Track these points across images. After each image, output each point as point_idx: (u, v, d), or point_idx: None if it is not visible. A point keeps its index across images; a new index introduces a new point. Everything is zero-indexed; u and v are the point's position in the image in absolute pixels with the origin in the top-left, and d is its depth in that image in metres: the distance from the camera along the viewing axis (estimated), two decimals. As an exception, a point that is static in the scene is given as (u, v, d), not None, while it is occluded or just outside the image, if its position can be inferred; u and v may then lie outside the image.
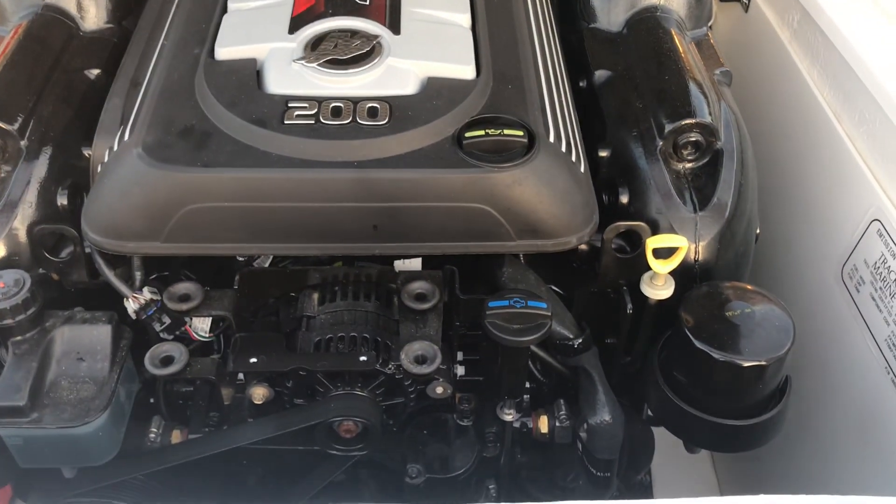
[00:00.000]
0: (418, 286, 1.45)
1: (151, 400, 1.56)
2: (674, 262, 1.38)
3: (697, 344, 1.33)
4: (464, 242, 1.38)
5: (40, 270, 1.45)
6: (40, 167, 1.48)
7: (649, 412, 1.63)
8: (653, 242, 1.37)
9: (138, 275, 1.45)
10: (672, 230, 1.46)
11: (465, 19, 1.59)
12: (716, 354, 1.32)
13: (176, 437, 1.48)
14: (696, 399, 1.41)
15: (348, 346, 1.41)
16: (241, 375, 1.45)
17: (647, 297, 1.44)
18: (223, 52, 1.47)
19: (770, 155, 1.93)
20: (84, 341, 1.36)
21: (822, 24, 1.85)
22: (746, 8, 2.30)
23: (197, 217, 1.31)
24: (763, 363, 1.33)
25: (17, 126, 1.47)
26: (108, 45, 1.74)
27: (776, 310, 1.38)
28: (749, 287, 1.42)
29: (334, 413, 1.38)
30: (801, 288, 1.84)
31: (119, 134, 1.42)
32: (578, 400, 1.50)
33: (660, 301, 1.43)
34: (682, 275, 1.44)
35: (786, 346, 1.34)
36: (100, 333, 1.36)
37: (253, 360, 1.38)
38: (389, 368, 1.39)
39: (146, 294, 1.44)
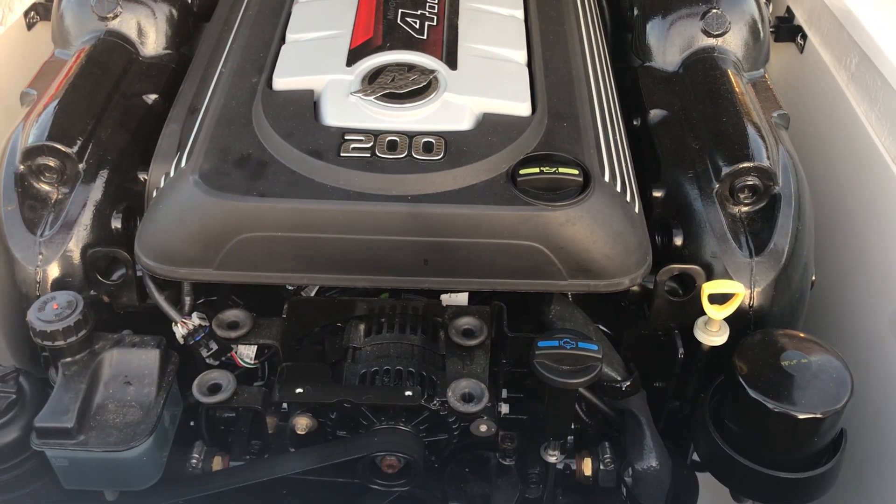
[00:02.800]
0: (466, 322, 1.43)
1: (192, 423, 1.56)
2: (730, 309, 1.35)
3: (752, 393, 1.30)
4: (514, 280, 1.36)
5: (92, 292, 1.46)
6: (96, 190, 1.50)
7: (694, 457, 1.60)
8: (709, 288, 1.35)
9: (187, 300, 1.45)
10: (727, 275, 1.44)
11: (522, 56, 1.59)
12: (770, 405, 1.29)
13: (217, 463, 1.48)
14: (746, 448, 1.37)
15: (394, 380, 1.40)
16: (284, 404, 1.45)
17: (699, 342, 1.41)
18: (281, 82, 1.48)
19: (825, 200, 1.90)
20: (132, 365, 1.37)
21: (882, 68, 1.83)
22: (801, 49, 2.27)
23: (250, 246, 1.31)
24: (819, 416, 1.29)
25: (75, 149, 1.49)
26: (166, 71, 1.77)
27: (833, 360, 1.35)
28: (805, 336, 1.39)
29: (378, 448, 1.37)
30: (855, 336, 1.80)
31: (176, 160, 1.43)
32: (624, 443, 1.47)
33: (713, 347, 1.40)
34: (736, 321, 1.41)
35: (843, 399, 1.30)
36: (148, 358, 1.37)
37: (299, 390, 1.37)
38: (434, 404, 1.37)
39: (195, 319, 1.44)
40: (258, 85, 1.48)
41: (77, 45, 1.80)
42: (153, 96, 1.69)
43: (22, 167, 1.48)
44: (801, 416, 1.28)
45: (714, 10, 1.80)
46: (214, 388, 1.37)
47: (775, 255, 1.46)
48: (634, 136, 1.69)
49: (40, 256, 1.44)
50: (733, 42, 1.81)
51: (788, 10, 2.39)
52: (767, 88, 1.81)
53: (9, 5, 2.23)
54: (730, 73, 1.73)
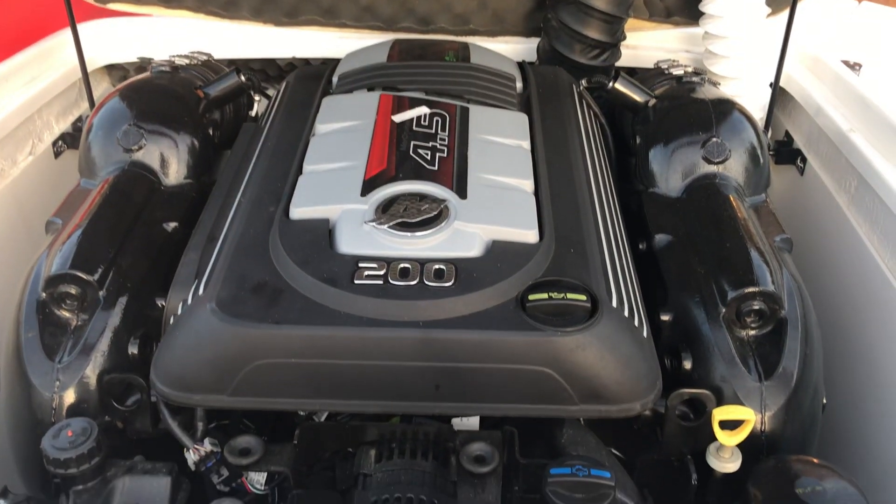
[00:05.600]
0: (478, 448, 1.42)
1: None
2: (741, 435, 1.35)
3: (767, 522, 1.28)
4: (526, 405, 1.37)
5: (106, 418, 1.47)
6: (115, 316, 1.53)
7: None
8: (719, 414, 1.35)
9: (200, 426, 1.46)
10: (737, 399, 1.44)
11: (529, 184, 1.65)
12: (787, 535, 1.27)
13: None
14: (765, 579, 1.34)
15: (405, 509, 1.38)
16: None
17: (712, 469, 1.40)
18: (298, 211, 1.53)
19: (831, 322, 1.91)
20: (143, 493, 1.35)
21: (880, 192, 1.87)
22: (802, 171, 2.34)
23: (265, 372, 1.33)
24: (838, 547, 1.27)
25: (96, 277, 1.53)
26: (186, 200, 1.83)
27: (849, 487, 1.32)
28: (819, 462, 1.37)
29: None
30: (869, 461, 1.77)
31: (193, 288, 1.47)
32: (640, 573, 1.44)
33: (726, 473, 1.39)
34: (749, 446, 1.40)
35: (861, 528, 1.28)
36: (159, 486, 1.35)
37: (309, 519, 1.36)
38: (446, 534, 1.35)
39: (207, 446, 1.45)
40: (275, 214, 1.53)
41: (102, 175, 1.87)
42: (173, 224, 1.74)
43: (44, 295, 1.52)
44: (819, 548, 1.26)
45: (714, 139, 1.86)
46: (225, 518, 1.36)
47: (784, 379, 1.46)
48: (641, 260, 1.72)
49: (57, 383, 1.46)
50: (734, 168, 1.87)
51: (787, 134, 2.47)
52: (770, 213, 1.86)
53: (38, 136, 2.34)
54: (732, 198, 1.78)
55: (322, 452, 1.52)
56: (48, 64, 2.45)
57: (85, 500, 1.33)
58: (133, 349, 1.51)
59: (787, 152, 2.42)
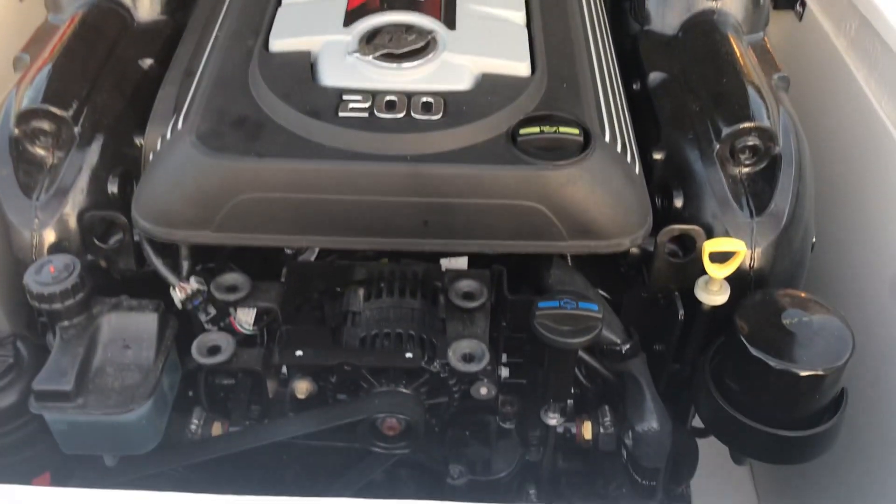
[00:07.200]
0: (466, 284, 1.43)
1: (190, 394, 1.56)
2: (731, 267, 1.35)
3: (753, 351, 1.30)
4: (515, 241, 1.36)
5: (89, 257, 1.45)
6: (92, 154, 1.48)
7: (694, 424, 1.60)
8: (710, 246, 1.34)
9: (186, 264, 1.44)
10: (727, 235, 1.43)
11: (520, 17, 1.58)
12: (772, 362, 1.29)
13: (217, 429, 1.48)
14: (748, 408, 1.37)
15: (394, 343, 1.39)
16: (284, 369, 1.44)
17: (699, 303, 1.41)
18: (278, 43, 1.46)
19: (826, 163, 1.88)
20: (130, 329, 1.36)
21: (882, 31, 1.82)
22: (800, 17, 2.26)
23: (248, 207, 1.30)
24: (821, 373, 1.29)
25: (70, 113, 1.47)
26: (161, 36, 1.75)
27: (834, 319, 1.35)
28: (806, 295, 1.39)
29: (378, 409, 1.37)
30: (854, 300, 1.79)
31: (172, 122, 1.42)
32: (624, 407, 1.47)
33: (713, 307, 1.40)
34: (737, 281, 1.40)
35: (844, 356, 1.30)
36: (146, 321, 1.36)
37: (299, 352, 1.37)
38: (435, 366, 1.37)
39: (193, 284, 1.43)
40: (254, 47, 1.46)
41: (70, 10, 1.77)
42: (149, 61, 1.67)
43: (16, 131, 1.46)
44: (803, 373, 1.29)
45: (713, -27, 1.79)
46: (214, 350, 1.36)
47: (776, 216, 1.45)
48: (634, 101, 1.68)
49: (36, 221, 1.42)
50: (733, 5, 1.80)
51: (787, -24, 2.38)
52: (767, 51, 1.80)
53: (0, -26, 2.20)
54: (730, 35, 1.72)
55: (310, 292, 1.52)
56: None
57: (71, 335, 1.33)
58: (112, 187, 1.47)
59: (786, -4, 2.33)
